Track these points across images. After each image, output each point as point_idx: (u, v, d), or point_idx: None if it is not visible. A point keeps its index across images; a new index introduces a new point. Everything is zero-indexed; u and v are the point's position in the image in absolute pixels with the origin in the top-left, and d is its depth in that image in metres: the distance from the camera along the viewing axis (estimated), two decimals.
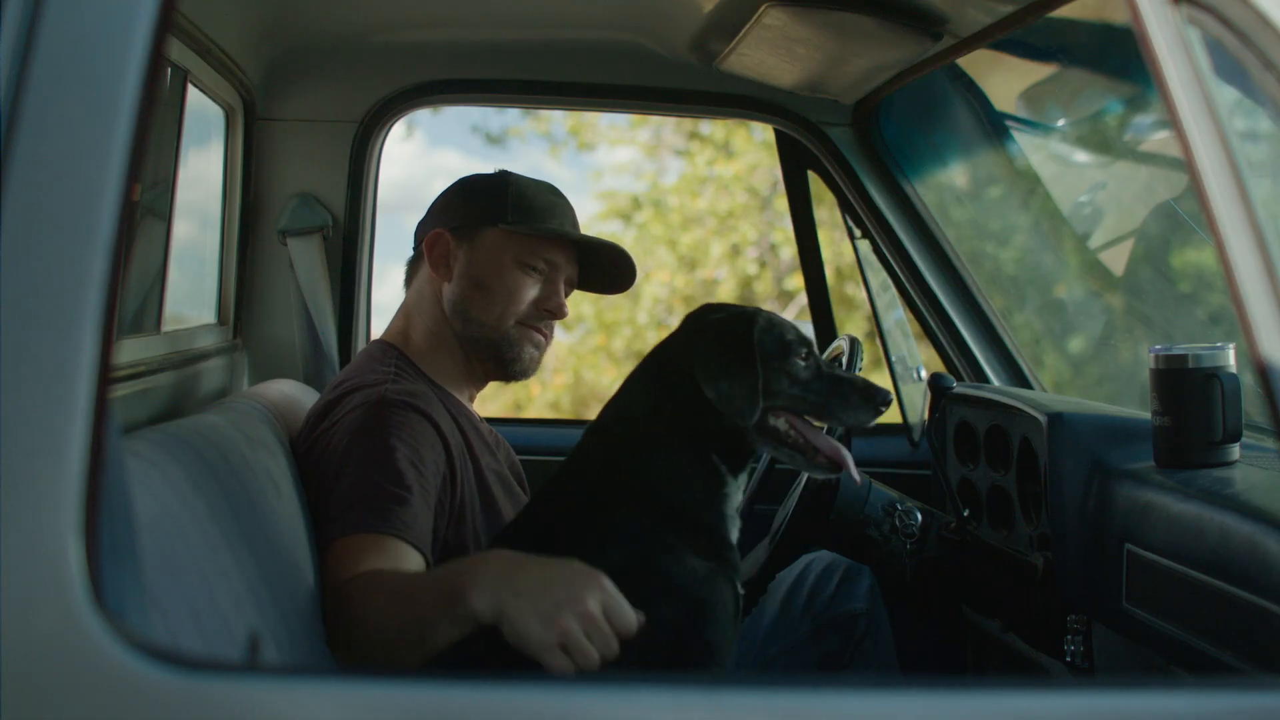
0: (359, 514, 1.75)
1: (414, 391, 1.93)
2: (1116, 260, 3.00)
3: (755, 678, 1.73)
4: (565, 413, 10.95)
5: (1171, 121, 1.15)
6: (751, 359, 1.69)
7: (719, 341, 1.71)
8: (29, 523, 0.98)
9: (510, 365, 2.07)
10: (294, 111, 2.61)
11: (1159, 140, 2.76)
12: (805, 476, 2.23)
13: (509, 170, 2.14)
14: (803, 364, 1.74)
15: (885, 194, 2.75)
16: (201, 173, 2.45)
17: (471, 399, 2.13)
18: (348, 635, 1.65)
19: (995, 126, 2.84)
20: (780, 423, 1.73)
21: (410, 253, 2.19)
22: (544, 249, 2.06)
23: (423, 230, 2.13)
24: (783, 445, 1.74)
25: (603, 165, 12.51)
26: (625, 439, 1.72)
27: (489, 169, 2.17)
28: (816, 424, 1.78)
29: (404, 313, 2.13)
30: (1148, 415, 1.86)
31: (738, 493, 1.75)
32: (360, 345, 2.67)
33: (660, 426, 1.71)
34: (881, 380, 2.17)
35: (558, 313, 2.08)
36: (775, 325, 1.75)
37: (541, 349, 2.10)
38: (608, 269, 2.15)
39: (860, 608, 2.24)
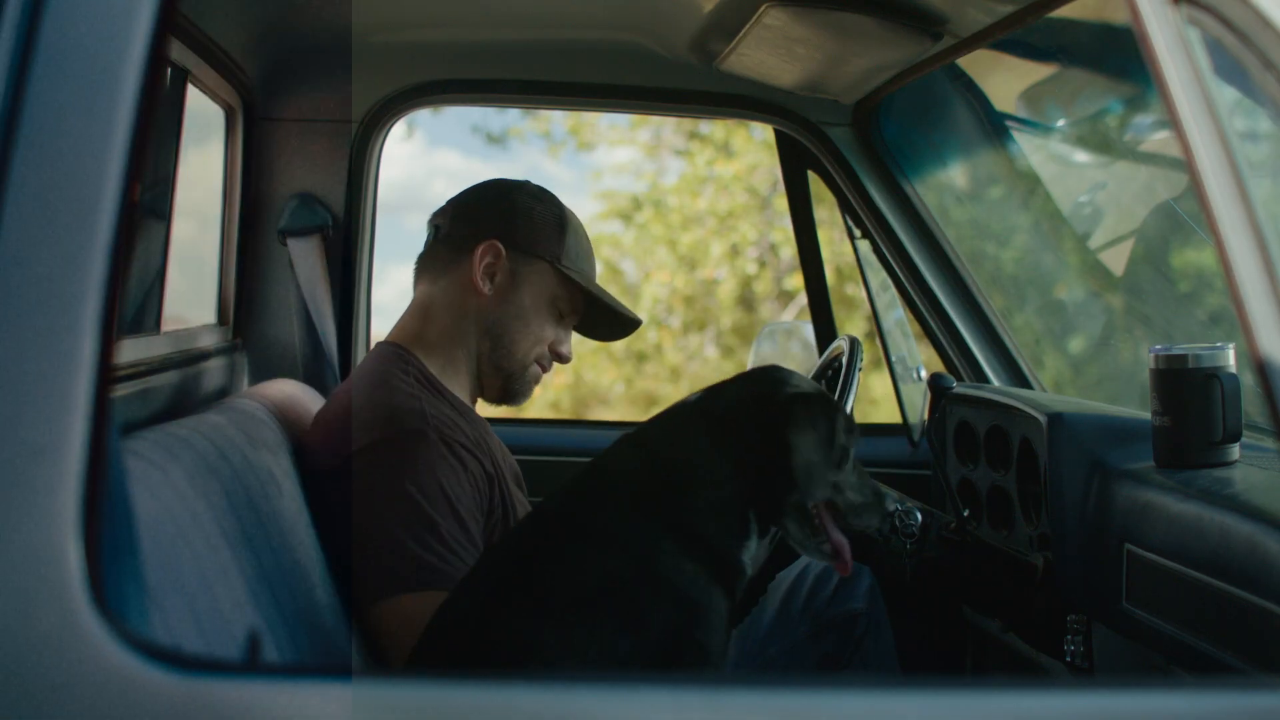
0: (428, 573, 1.76)
1: (452, 421, 1.93)
2: (1116, 260, 3.00)
3: (755, 678, 1.73)
4: (565, 413, 10.96)
5: (1171, 121, 1.15)
6: (833, 443, 1.71)
7: (819, 418, 1.71)
8: (29, 522, 0.98)
9: (514, 396, 2.11)
10: (294, 111, 2.61)
11: (1159, 140, 2.76)
12: None
13: (559, 199, 2.15)
14: (849, 458, 1.76)
15: (885, 194, 2.75)
16: (201, 173, 2.45)
17: (474, 404, 2.13)
18: None
19: (995, 126, 2.84)
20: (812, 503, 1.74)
21: (422, 243, 2.15)
22: (578, 299, 2.09)
23: (466, 225, 2.07)
24: (804, 523, 1.74)
25: (603, 165, 12.52)
26: (674, 464, 1.71)
27: (515, 175, 2.16)
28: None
29: (421, 311, 2.08)
30: (1148, 415, 1.86)
31: (753, 545, 1.75)
32: (360, 345, 2.66)
33: (712, 471, 1.69)
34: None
35: (566, 359, 2.13)
36: (842, 413, 1.76)
37: (539, 382, 2.14)
38: (610, 325, 2.19)
39: (860, 608, 2.24)
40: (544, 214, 2.09)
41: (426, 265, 2.12)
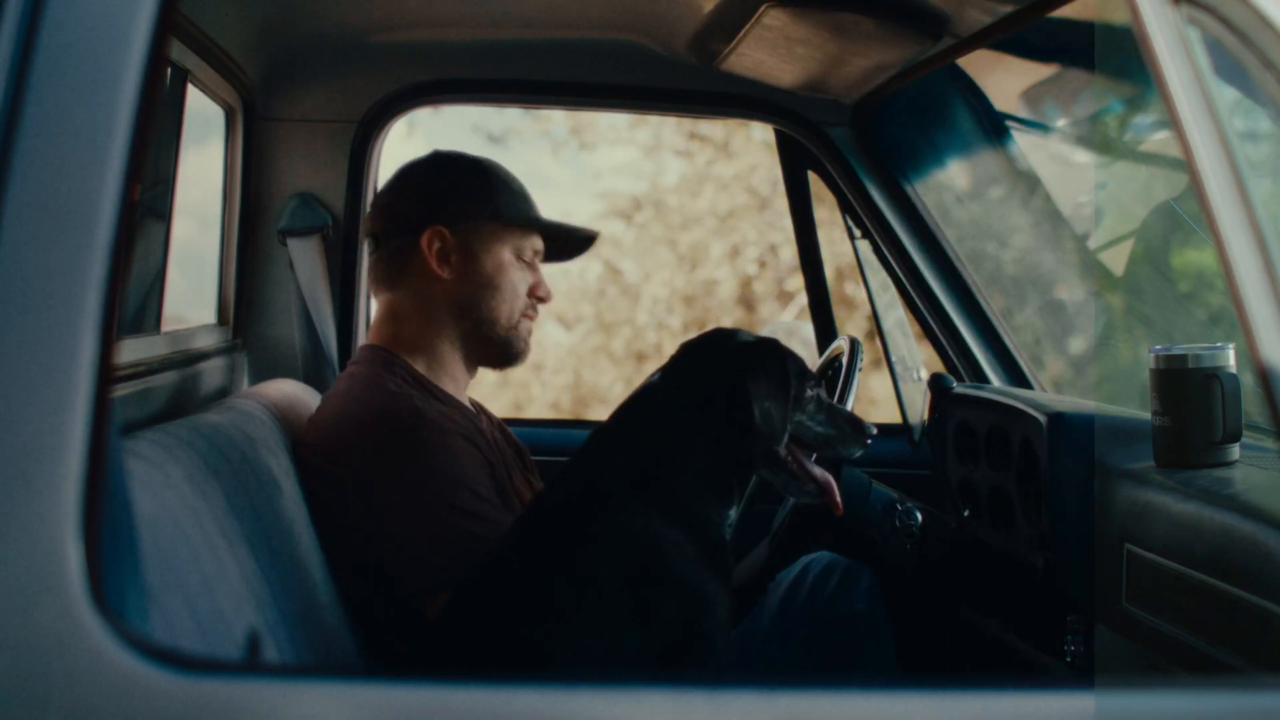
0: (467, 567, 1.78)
1: (446, 414, 1.95)
2: (1116, 260, 3.00)
3: (755, 678, 1.74)
4: (565, 413, 10.95)
5: (1171, 121, 1.15)
6: (788, 385, 1.78)
7: (766, 364, 1.78)
8: (29, 522, 0.98)
9: (515, 357, 2.10)
10: (294, 111, 2.61)
11: (1159, 140, 2.76)
12: None
13: (489, 160, 2.12)
14: (810, 394, 1.82)
15: (885, 194, 2.75)
16: (201, 173, 2.45)
17: (471, 378, 2.13)
18: None
19: (995, 127, 2.84)
20: (781, 448, 1.79)
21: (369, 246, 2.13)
22: (533, 239, 2.08)
23: (401, 222, 2.05)
24: (780, 470, 1.80)
25: (603, 165, 12.51)
26: (653, 446, 1.74)
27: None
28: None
29: (392, 316, 2.06)
30: (1148, 415, 1.86)
31: (733, 514, 1.78)
32: (360, 345, 2.65)
33: (690, 441, 1.74)
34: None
35: (547, 298, 2.11)
36: (794, 356, 1.83)
37: (531, 330, 2.13)
38: (569, 242, 2.18)
39: (860, 608, 2.24)
40: (465, 178, 2.07)
41: (380, 274, 2.09)
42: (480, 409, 2.19)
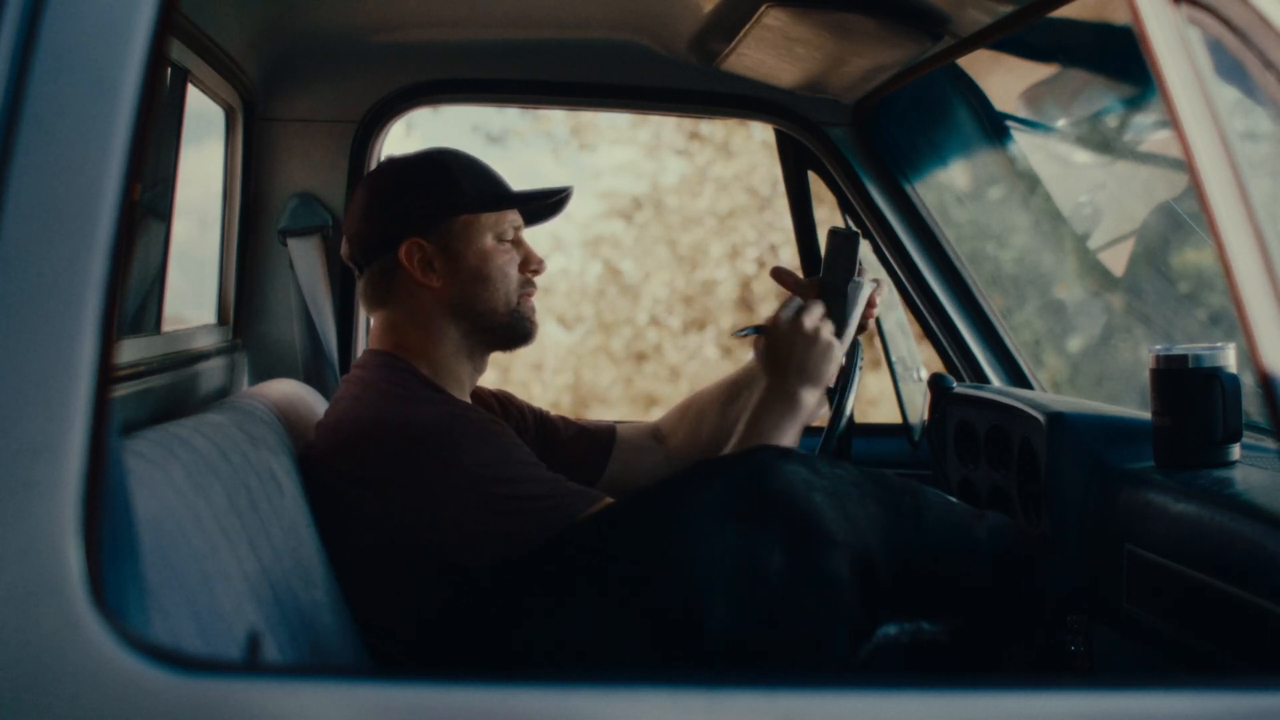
0: (573, 500, 1.83)
1: (467, 405, 1.98)
2: (1116, 260, 3.00)
3: (755, 678, 1.73)
4: (565, 413, 10.94)
5: (1171, 121, 1.15)
6: None
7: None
8: (29, 522, 0.98)
9: (526, 337, 2.10)
10: (294, 111, 2.61)
11: (1159, 140, 2.76)
12: None
13: (442, 149, 2.09)
14: None
15: (885, 194, 2.75)
16: (201, 173, 2.45)
17: (467, 396, 2.13)
18: None
19: (995, 127, 2.84)
20: None
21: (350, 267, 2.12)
22: (510, 216, 2.06)
23: (375, 245, 2.03)
24: None
25: (602, 165, 12.51)
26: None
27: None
28: None
29: (390, 327, 2.05)
30: (1148, 415, 1.86)
31: None
32: (360, 345, 2.66)
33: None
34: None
35: (541, 268, 2.09)
36: None
37: (534, 307, 2.13)
38: (546, 204, 2.15)
39: None
40: (423, 180, 2.04)
41: (369, 295, 2.07)
42: (487, 395, 2.23)
